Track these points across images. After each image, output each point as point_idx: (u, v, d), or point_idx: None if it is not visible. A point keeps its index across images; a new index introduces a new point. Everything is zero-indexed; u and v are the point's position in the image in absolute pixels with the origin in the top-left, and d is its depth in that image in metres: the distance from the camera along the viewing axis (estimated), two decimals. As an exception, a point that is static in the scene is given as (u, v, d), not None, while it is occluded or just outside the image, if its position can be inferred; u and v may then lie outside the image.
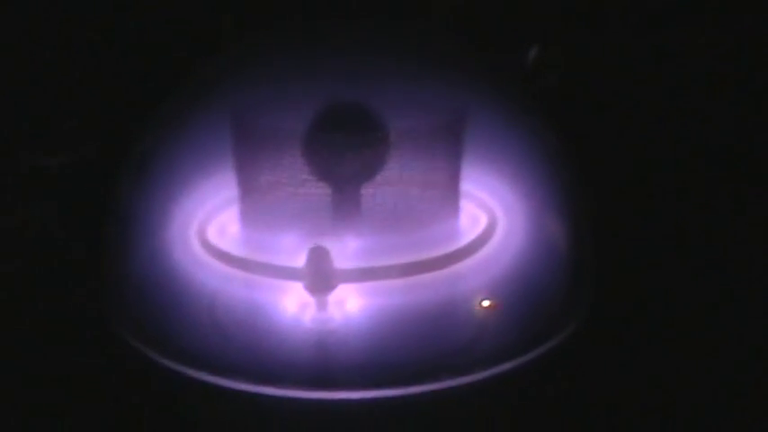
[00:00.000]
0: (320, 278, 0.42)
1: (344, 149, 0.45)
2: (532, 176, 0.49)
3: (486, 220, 0.48)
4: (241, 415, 0.42)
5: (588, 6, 0.83)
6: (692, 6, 0.75)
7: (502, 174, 0.49)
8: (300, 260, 0.42)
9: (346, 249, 0.44)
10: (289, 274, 0.42)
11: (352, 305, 0.43)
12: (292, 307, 0.42)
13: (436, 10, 0.84)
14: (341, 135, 0.45)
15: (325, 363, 0.41)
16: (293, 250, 0.43)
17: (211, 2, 0.63)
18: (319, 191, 0.45)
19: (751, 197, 0.68)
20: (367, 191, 0.45)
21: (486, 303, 0.44)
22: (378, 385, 0.40)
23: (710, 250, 0.63)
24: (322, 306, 0.42)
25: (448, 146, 0.47)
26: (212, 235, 0.46)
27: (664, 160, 0.72)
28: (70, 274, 0.55)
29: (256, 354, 0.41)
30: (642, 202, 0.67)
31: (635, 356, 0.53)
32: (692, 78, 0.76)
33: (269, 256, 0.44)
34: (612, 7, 0.81)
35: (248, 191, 0.46)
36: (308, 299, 0.42)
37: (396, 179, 0.46)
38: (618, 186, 0.66)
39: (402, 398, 0.40)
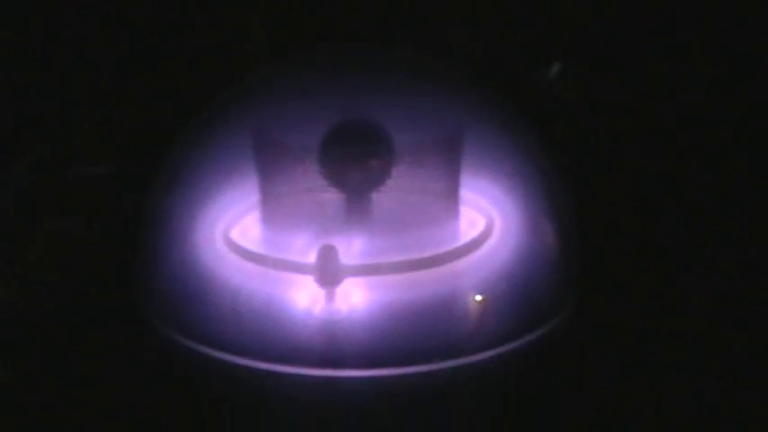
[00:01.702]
0: (328, 273, 0.47)
1: (354, 160, 0.51)
2: (526, 183, 0.54)
3: (484, 223, 0.53)
4: (259, 391, 0.47)
5: (608, 22, 0.86)
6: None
7: (499, 181, 0.54)
8: (313, 257, 0.48)
9: (355, 248, 0.49)
10: (301, 269, 0.48)
11: (357, 297, 0.48)
12: (305, 298, 0.48)
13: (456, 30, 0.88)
14: (351, 147, 0.50)
15: (331, 345, 0.46)
16: (308, 249, 0.48)
17: (236, 26, 0.69)
18: (333, 196, 0.51)
19: (742, 197, 0.72)
20: (376, 196, 0.51)
21: (478, 297, 0.49)
22: (378, 365, 0.45)
23: (700, 247, 0.67)
24: (330, 298, 0.47)
25: (448, 156, 0.52)
26: (236, 235, 0.51)
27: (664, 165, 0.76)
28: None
29: (273, 338, 0.46)
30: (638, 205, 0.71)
31: (623, 345, 0.57)
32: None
33: (285, 254, 0.49)
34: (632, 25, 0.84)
35: (269, 197, 0.52)
36: (319, 291, 0.47)
37: (401, 186, 0.51)
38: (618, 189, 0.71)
39: (400, 377, 0.45)
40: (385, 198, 0.51)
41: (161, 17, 0.72)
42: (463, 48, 0.85)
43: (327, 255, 0.47)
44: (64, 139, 0.69)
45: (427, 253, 0.50)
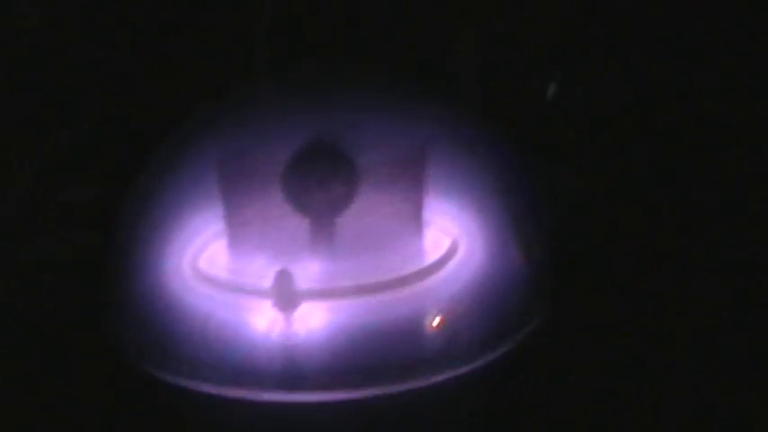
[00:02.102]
0: (284, 297, 0.47)
1: (316, 185, 0.51)
2: (490, 202, 0.54)
3: (447, 244, 0.53)
4: (219, 416, 0.48)
5: (610, 38, 0.86)
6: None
7: (463, 200, 0.54)
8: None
9: (316, 272, 0.50)
10: (260, 293, 0.48)
11: (316, 321, 0.48)
12: (263, 323, 0.48)
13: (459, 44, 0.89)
14: (313, 172, 0.51)
15: (289, 369, 0.47)
16: (270, 273, 0.49)
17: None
18: (297, 221, 0.52)
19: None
20: (340, 219, 0.52)
21: (436, 320, 0.49)
22: (337, 388, 0.46)
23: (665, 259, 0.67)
24: (288, 322, 0.48)
25: (412, 179, 0.53)
26: (199, 261, 0.52)
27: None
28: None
29: (230, 362, 0.47)
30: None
31: (593, 355, 0.57)
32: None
33: (247, 279, 0.50)
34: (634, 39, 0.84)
35: (234, 223, 0.53)
36: (276, 316, 0.48)
37: (365, 209, 0.52)
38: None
39: (356, 400, 0.46)
40: (349, 221, 0.52)
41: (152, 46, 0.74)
42: (462, 53, 0.86)
43: (283, 279, 0.47)
44: (53, 163, 0.71)
45: (388, 276, 0.50)
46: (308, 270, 0.50)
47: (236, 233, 0.52)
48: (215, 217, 0.53)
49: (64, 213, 0.70)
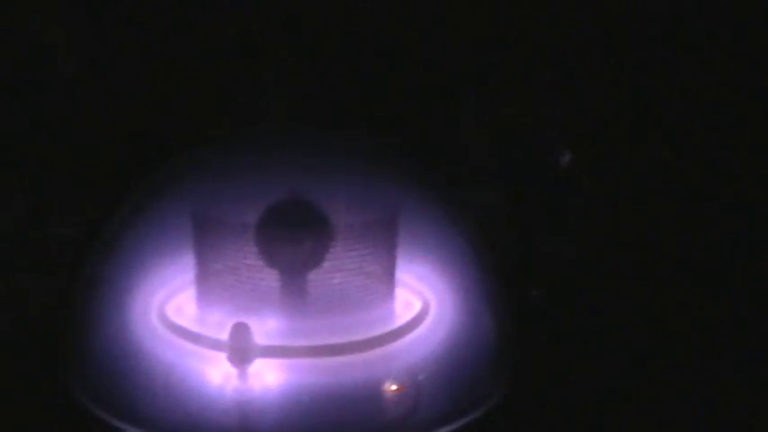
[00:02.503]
0: (239, 351, 0.47)
1: (288, 241, 0.51)
2: (460, 266, 0.53)
3: (417, 308, 0.53)
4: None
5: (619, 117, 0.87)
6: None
7: (435, 264, 0.54)
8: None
9: (281, 328, 0.50)
10: (216, 345, 0.48)
11: (270, 379, 0.47)
12: (218, 376, 0.48)
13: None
14: (286, 228, 0.51)
15: (239, 425, 0.46)
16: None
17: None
18: (268, 275, 0.51)
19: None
20: (311, 277, 0.51)
21: (392, 386, 0.48)
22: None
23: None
24: (243, 376, 0.47)
25: (383, 239, 0.52)
26: (164, 310, 0.52)
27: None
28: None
29: (185, 414, 0.47)
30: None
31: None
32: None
33: (213, 331, 0.49)
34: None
35: (204, 273, 0.52)
36: (231, 370, 0.47)
37: (337, 267, 0.51)
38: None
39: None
40: (320, 278, 0.51)
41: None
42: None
43: (239, 333, 0.47)
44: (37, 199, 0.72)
45: (354, 337, 0.49)
46: (272, 326, 0.49)
47: (206, 284, 0.52)
48: (186, 266, 0.53)
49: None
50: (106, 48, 0.76)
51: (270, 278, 0.51)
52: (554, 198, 0.89)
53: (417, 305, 0.53)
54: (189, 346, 0.49)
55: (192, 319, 0.51)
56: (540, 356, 0.58)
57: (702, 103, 0.82)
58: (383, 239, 0.52)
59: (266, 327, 0.49)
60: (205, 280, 0.52)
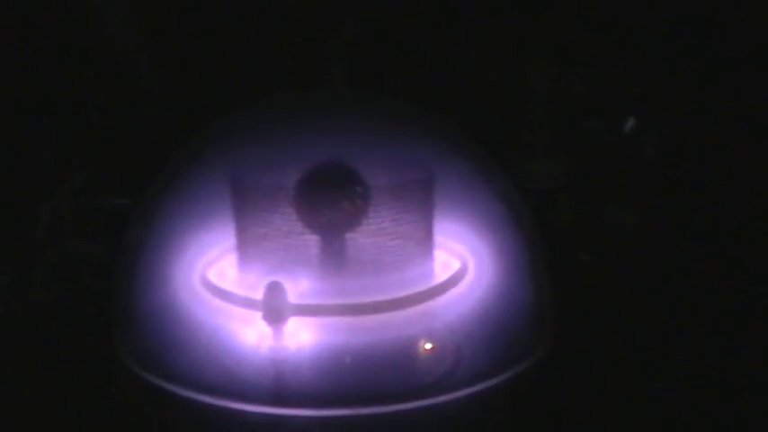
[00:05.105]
0: (273, 310, 0.47)
1: (328, 203, 0.51)
2: (498, 227, 0.53)
3: (455, 267, 0.52)
4: (207, 426, 0.48)
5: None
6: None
7: (473, 225, 0.53)
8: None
9: (319, 289, 0.50)
10: (252, 305, 0.48)
11: (306, 337, 0.48)
12: (253, 335, 0.48)
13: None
14: (325, 191, 0.51)
15: (272, 385, 0.47)
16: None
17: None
18: (307, 238, 0.52)
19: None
20: (350, 238, 0.51)
21: (427, 344, 0.48)
22: (319, 406, 0.45)
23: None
24: (278, 336, 0.48)
25: (421, 200, 0.52)
26: (205, 274, 0.52)
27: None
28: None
29: (220, 375, 0.47)
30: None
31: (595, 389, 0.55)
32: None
33: (252, 293, 0.50)
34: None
35: (245, 238, 0.53)
36: (266, 329, 0.48)
37: (375, 229, 0.51)
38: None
39: (345, 418, 0.45)
40: (359, 240, 0.51)
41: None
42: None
43: (273, 292, 0.47)
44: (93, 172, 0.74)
45: (392, 295, 0.49)
46: (309, 286, 0.49)
47: (247, 248, 0.53)
48: (228, 232, 0.53)
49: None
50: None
51: (308, 240, 0.51)
52: (618, 165, 0.88)
53: (456, 265, 0.52)
54: (228, 307, 0.50)
55: (232, 281, 0.52)
56: (584, 318, 0.57)
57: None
58: (420, 200, 0.52)
59: (304, 287, 0.49)
60: (245, 244, 0.53)
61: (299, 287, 0.49)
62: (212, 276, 0.53)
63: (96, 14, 0.80)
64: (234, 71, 0.80)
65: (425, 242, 0.52)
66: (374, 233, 0.51)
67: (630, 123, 0.89)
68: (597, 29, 0.87)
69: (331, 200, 0.51)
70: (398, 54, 0.82)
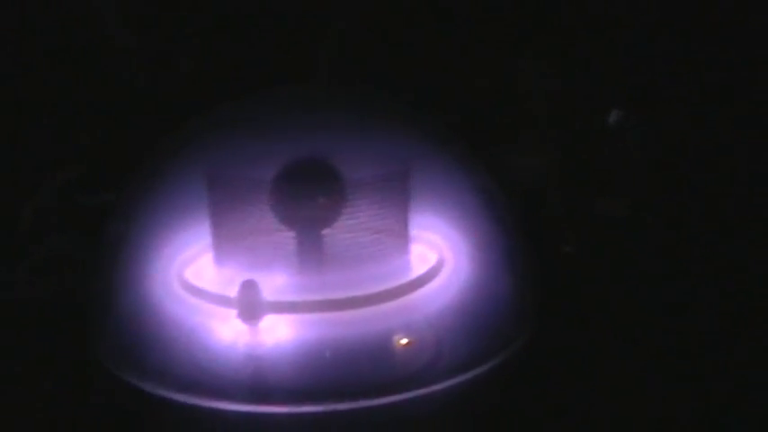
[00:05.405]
0: (248, 308, 0.47)
1: (304, 199, 0.51)
2: (477, 219, 0.52)
3: (431, 261, 0.52)
4: (185, 425, 0.48)
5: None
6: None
7: (449, 217, 0.53)
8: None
9: (296, 285, 0.50)
10: (228, 303, 0.48)
11: (283, 334, 0.48)
12: (230, 334, 0.48)
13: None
14: (300, 186, 0.51)
15: (249, 382, 0.47)
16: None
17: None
18: (283, 235, 0.52)
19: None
20: (326, 233, 0.51)
21: (403, 339, 0.48)
22: (297, 402, 0.45)
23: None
24: (254, 333, 0.47)
25: (397, 194, 0.52)
26: (187, 272, 0.52)
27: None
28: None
29: (198, 372, 0.47)
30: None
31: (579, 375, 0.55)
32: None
33: (228, 291, 0.50)
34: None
35: (221, 235, 0.53)
36: (242, 326, 0.48)
37: (352, 224, 0.51)
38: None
39: (324, 414, 0.45)
40: (336, 234, 0.51)
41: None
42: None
43: (248, 290, 0.47)
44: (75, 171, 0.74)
45: (365, 291, 0.49)
46: (287, 282, 0.49)
47: (223, 245, 0.52)
48: (204, 230, 0.53)
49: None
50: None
51: (285, 236, 0.51)
52: (603, 157, 0.88)
53: (433, 259, 0.52)
54: (205, 305, 0.50)
55: (209, 279, 0.52)
56: (566, 309, 0.57)
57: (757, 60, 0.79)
58: (397, 194, 0.52)
59: (280, 283, 0.49)
60: (221, 240, 0.53)
61: (275, 283, 0.49)
62: (189, 274, 0.53)
63: (86, 12, 0.80)
64: (223, 70, 0.80)
65: (402, 236, 0.52)
66: (351, 228, 0.51)
67: (615, 116, 0.89)
68: (585, 27, 0.87)
69: (306, 195, 0.51)
70: (388, 50, 0.82)
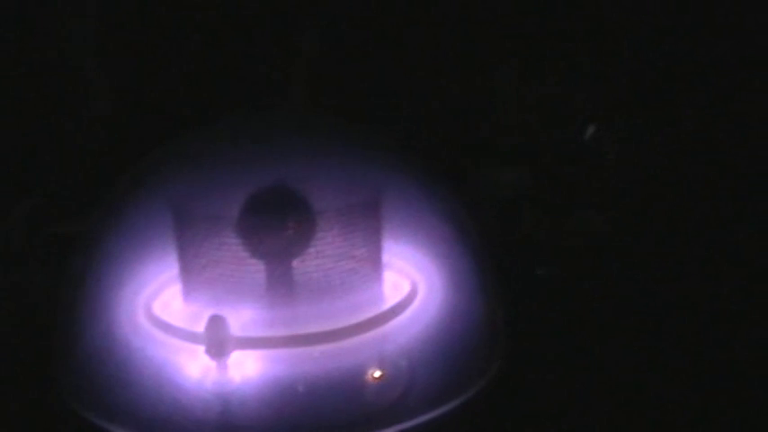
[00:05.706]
0: (216, 344, 0.46)
1: (272, 229, 0.50)
2: (447, 246, 0.52)
3: (406, 289, 0.51)
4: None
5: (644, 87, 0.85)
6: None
7: (421, 245, 0.52)
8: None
9: (264, 319, 0.49)
10: (196, 339, 0.47)
11: (252, 370, 0.46)
12: (197, 370, 0.47)
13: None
14: (268, 216, 0.50)
15: (216, 420, 0.45)
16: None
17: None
18: (253, 266, 0.50)
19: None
20: (296, 265, 0.50)
21: (375, 373, 0.47)
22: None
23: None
24: (222, 370, 0.46)
25: (367, 223, 0.51)
26: (155, 306, 0.51)
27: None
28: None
29: (165, 411, 0.46)
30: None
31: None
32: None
33: (197, 326, 0.48)
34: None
35: (190, 268, 0.51)
36: (209, 362, 0.46)
37: (321, 254, 0.50)
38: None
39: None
40: (305, 266, 0.50)
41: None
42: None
43: (215, 325, 0.46)
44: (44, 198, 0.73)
45: (343, 323, 0.48)
46: (257, 316, 0.48)
47: (191, 279, 0.51)
48: (172, 262, 0.52)
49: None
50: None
51: (253, 268, 0.50)
52: (579, 172, 0.87)
53: (405, 287, 0.51)
54: (172, 341, 0.49)
55: (177, 314, 0.51)
56: (541, 336, 0.56)
57: (728, 73, 0.79)
58: (367, 223, 0.51)
59: (250, 317, 0.48)
60: (189, 274, 0.51)
61: (244, 318, 0.47)
62: (157, 308, 0.51)
63: (56, 42, 0.79)
64: (194, 95, 0.79)
65: (374, 265, 0.51)
66: (320, 258, 0.50)
67: (591, 130, 0.89)
68: (562, 39, 0.87)
69: (275, 226, 0.50)
70: (361, 65, 0.82)
